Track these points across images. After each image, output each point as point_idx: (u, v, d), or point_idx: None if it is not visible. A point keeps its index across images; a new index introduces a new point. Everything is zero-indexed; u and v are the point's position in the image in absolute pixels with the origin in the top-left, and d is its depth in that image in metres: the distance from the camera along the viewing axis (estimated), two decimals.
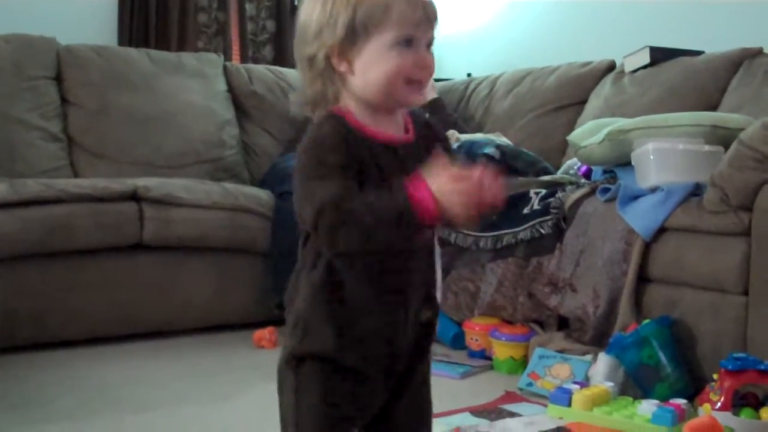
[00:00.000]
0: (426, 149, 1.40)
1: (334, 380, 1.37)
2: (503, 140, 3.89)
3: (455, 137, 3.79)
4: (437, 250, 1.47)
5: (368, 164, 1.33)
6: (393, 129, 1.39)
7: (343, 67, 1.35)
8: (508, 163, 3.52)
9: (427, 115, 4.13)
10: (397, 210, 1.26)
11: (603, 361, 2.64)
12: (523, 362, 2.98)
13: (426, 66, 1.36)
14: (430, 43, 1.38)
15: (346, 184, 1.28)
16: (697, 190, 2.75)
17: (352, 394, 1.38)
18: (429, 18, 1.36)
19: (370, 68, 1.34)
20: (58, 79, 4.18)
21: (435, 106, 4.36)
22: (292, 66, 4.99)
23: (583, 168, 3.45)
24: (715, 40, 3.82)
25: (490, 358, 3.12)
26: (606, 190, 3.00)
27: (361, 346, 1.36)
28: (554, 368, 2.79)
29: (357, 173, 1.31)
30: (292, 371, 1.39)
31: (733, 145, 2.58)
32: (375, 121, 1.37)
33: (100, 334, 3.42)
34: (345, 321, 1.35)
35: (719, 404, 2.31)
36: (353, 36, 1.33)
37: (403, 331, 1.38)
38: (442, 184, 1.26)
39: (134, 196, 3.50)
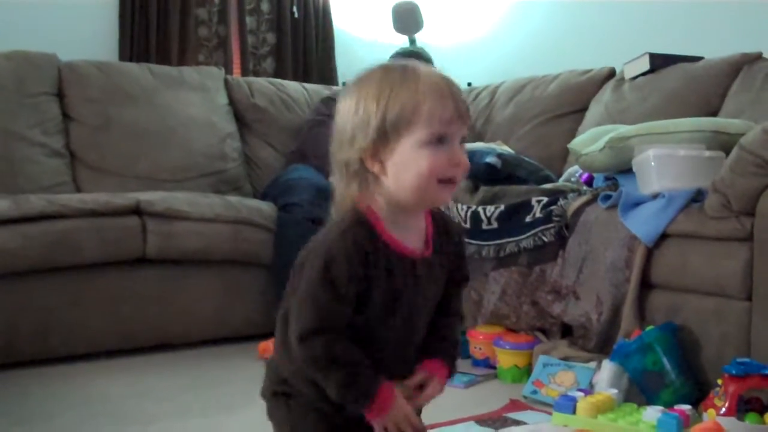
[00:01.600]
0: (440, 259, 1.44)
1: (325, 411, 1.42)
2: (505, 149, 3.90)
3: None
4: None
5: (382, 277, 1.35)
6: (415, 239, 1.41)
7: (376, 168, 1.35)
8: (509, 171, 3.52)
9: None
10: (349, 401, 1.35)
11: (607, 368, 2.64)
12: (527, 370, 2.98)
13: (459, 164, 1.35)
14: (463, 140, 1.37)
15: (338, 319, 1.33)
16: (698, 196, 2.75)
17: (344, 423, 1.42)
18: (461, 115, 1.34)
19: (403, 168, 1.33)
20: (60, 95, 4.19)
21: None
22: (293, 79, 5.02)
23: (585, 175, 3.45)
24: (715, 46, 3.83)
25: (494, 367, 3.12)
26: (608, 197, 3.00)
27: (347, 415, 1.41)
28: (558, 376, 2.79)
29: (364, 288, 1.34)
30: (284, 403, 1.45)
31: (734, 151, 2.58)
32: (401, 228, 1.38)
33: (103, 348, 3.42)
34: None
35: (724, 409, 2.31)
36: (385, 137, 1.33)
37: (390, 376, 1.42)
38: (401, 419, 1.36)
39: (137, 211, 3.50)
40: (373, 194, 1.37)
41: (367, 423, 1.41)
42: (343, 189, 1.39)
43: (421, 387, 1.44)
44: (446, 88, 1.34)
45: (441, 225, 1.46)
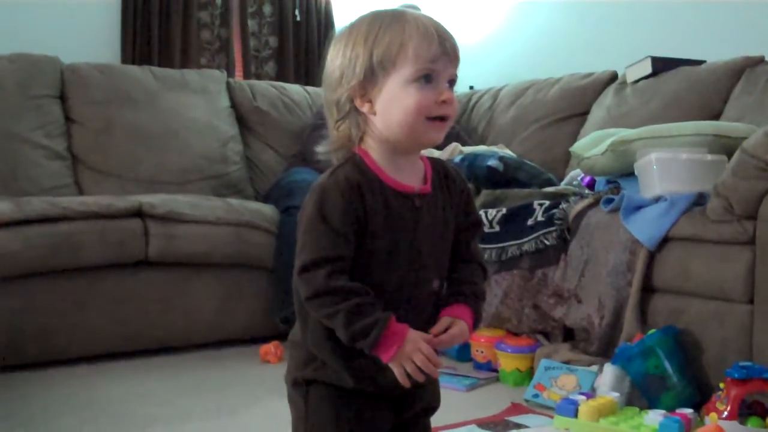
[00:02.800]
0: (443, 199, 1.43)
1: (343, 404, 1.40)
2: (506, 152, 3.90)
3: (458, 150, 3.80)
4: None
5: (379, 212, 1.35)
6: (412, 176, 1.41)
7: (365, 108, 1.37)
8: (511, 175, 3.52)
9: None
10: (358, 335, 1.31)
11: (609, 372, 2.64)
12: (529, 374, 2.98)
13: (446, 101, 1.36)
14: (452, 81, 1.38)
15: (337, 251, 1.32)
16: (700, 200, 2.75)
17: (360, 417, 1.41)
18: (446, 52, 1.36)
19: (391, 106, 1.35)
20: (62, 97, 4.20)
21: None
22: (295, 82, 5.02)
23: (587, 179, 3.45)
24: (717, 49, 3.83)
25: (496, 370, 3.12)
26: (610, 201, 3.00)
27: (369, 374, 1.39)
28: (560, 379, 2.79)
29: (363, 225, 1.34)
30: (301, 397, 1.43)
31: (736, 154, 2.58)
32: (395, 167, 1.39)
33: (106, 350, 3.43)
34: (352, 353, 1.37)
35: (726, 413, 2.31)
36: (372, 76, 1.35)
37: None
38: (412, 350, 1.32)
39: (139, 213, 3.50)
40: (364, 135, 1.39)
41: (388, 406, 1.41)
42: (334, 132, 1.41)
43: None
44: (432, 28, 1.36)
45: (440, 169, 1.46)
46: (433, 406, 1.51)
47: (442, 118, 1.36)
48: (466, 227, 1.48)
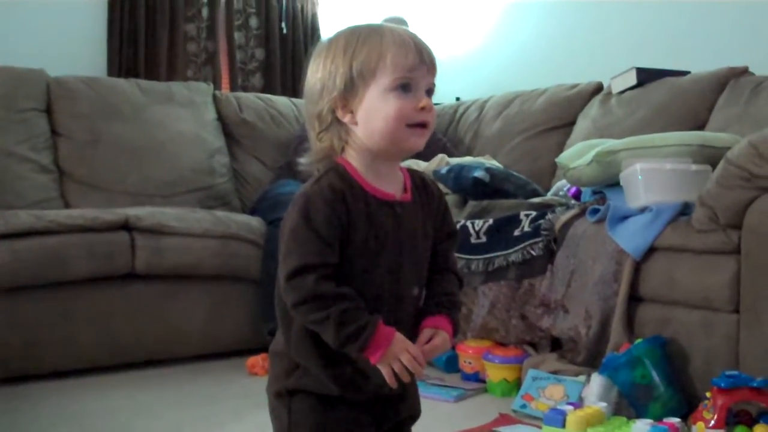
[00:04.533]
0: (422, 208, 1.47)
1: (327, 413, 1.42)
2: (493, 163, 3.91)
3: (445, 161, 3.81)
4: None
5: (362, 219, 1.38)
6: (393, 185, 1.44)
7: (347, 118, 1.41)
8: (497, 185, 3.53)
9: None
10: (349, 339, 1.33)
11: (596, 382, 2.64)
12: (517, 384, 2.99)
13: (425, 108, 1.39)
14: (430, 90, 1.42)
15: (324, 257, 1.35)
16: (685, 210, 2.76)
17: (343, 426, 1.43)
18: (423, 61, 1.40)
19: (372, 115, 1.39)
20: (48, 111, 4.19)
21: None
22: (282, 94, 5.03)
23: (573, 189, 3.47)
24: (701, 60, 3.85)
25: (483, 381, 3.12)
26: (595, 211, 3.01)
27: (353, 381, 1.41)
28: (548, 389, 2.79)
29: (345, 231, 1.36)
30: (285, 408, 1.44)
31: (721, 164, 2.60)
32: (377, 175, 1.42)
33: (93, 364, 3.41)
34: (336, 360, 1.40)
35: (713, 422, 2.31)
36: (353, 87, 1.39)
37: None
38: (400, 350, 1.35)
39: (126, 226, 3.50)
40: (346, 145, 1.43)
41: (371, 414, 1.44)
42: (317, 143, 1.44)
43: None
44: (409, 39, 1.40)
45: (419, 180, 1.50)
46: (413, 414, 1.53)
47: (422, 125, 1.40)
48: (443, 237, 1.52)
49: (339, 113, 1.41)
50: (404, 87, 1.38)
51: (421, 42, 1.41)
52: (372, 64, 1.38)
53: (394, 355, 1.35)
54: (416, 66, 1.38)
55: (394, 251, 1.41)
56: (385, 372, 1.35)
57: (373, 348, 1.34)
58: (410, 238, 1.44)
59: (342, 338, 1.33)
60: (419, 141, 1.41)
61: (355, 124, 1.40)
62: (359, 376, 1.40)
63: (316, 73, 1.43)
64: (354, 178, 1.40)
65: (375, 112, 1.38)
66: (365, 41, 1.39)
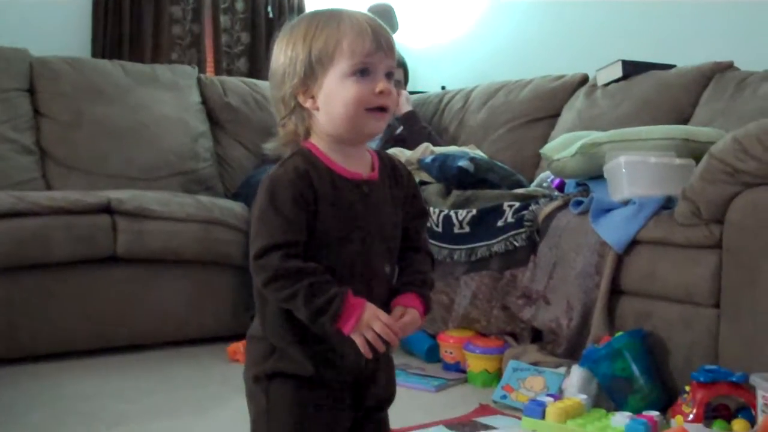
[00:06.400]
0: (390, 188, 1.49)
1: (305, 394, 1.43)
2: (477, 153, 3.91)
3: (429, 150, 3.80)
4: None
5: (329, 198, 1.40)
6: (360, 165, 1.46)
7: (308, 104, 1.44)
8: (481, 176, 3.53)
9: (399, 130, 4.12)
10: (319, 311, 1.35)
11: (576, 374, 2.65)
12: (498, 375, 2.99)
13: (384, 92, 1.41)
14: (389, 74, 1.44)
15: (290, 236, 1.36)
16: (668, 203, 2.77)
17: (321, 407, 1.44)
18: (381, 47, 1.42)
19: (332, 100, 1.41)
20: (31, 91, 4.16)
21: (409, 118, 4.38)
22: (267, 78, 5.00)
23: (557, 181, 3.47)
24: (687, 54, 3.86)
25: (464, 371, 3.13)
26: (579, 203, 3.02)
27: (329, 358, 1.43)
28: (528, 381, 2.80)
29: (313, 211, 1.38)
30: (263, 391, 1.45)
31: (704, 159, 2.60)
32: (343, 156, 1.44)
33: (73, 347, 3.39)
34: (312, 339, 1.41)
35: (692, 416, 2.33)
36: (312, 72, 1.42)
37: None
38: (371, 318, 1.36)
39: (107, 209, 3.48)
40: (310, 130, 1.46)
41: (349, 396, 1.45)
42: (281, 128, 1.48)
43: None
44: (366, 24, 1.42)
45: (386, 160, 1.52)
46: (389, 397, 1.55)
47: (381, 109, 1.42)
48: (413, 216, 1.54)
49: (301, 98, 1.44)
50: (362, 72, 1.40)
51: (379, 26, 1.44)
52: (330, 50, 1.40)
53: (367, 323, 1.36)
54: (373, 51, 1.41)
55: (363, 229, 1.43)
56: (359, 342, 1.37)
57: (345, 318, 1.35)
58: (378, 216, 1.45)
59: (312, 311, 1.34)
60: (379, 124, 1.44)
61: (317, 109, 1.43)
62: (334, 354, 1.42)
63: (279, 58, 1.46)
64: (319, 158, 1.42)
65: (334, 98, 1.40)
66: (324, 27, 1.42)
